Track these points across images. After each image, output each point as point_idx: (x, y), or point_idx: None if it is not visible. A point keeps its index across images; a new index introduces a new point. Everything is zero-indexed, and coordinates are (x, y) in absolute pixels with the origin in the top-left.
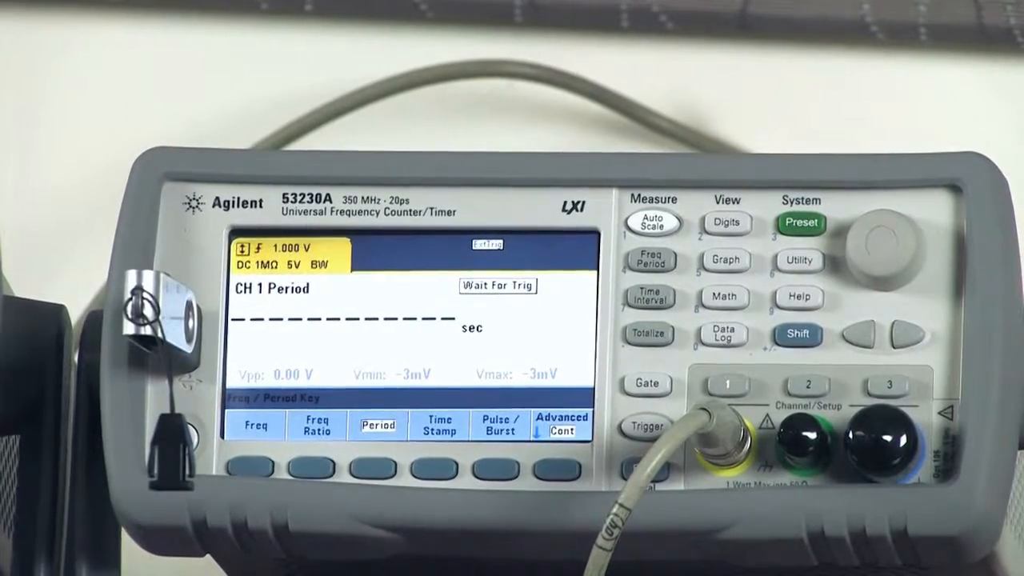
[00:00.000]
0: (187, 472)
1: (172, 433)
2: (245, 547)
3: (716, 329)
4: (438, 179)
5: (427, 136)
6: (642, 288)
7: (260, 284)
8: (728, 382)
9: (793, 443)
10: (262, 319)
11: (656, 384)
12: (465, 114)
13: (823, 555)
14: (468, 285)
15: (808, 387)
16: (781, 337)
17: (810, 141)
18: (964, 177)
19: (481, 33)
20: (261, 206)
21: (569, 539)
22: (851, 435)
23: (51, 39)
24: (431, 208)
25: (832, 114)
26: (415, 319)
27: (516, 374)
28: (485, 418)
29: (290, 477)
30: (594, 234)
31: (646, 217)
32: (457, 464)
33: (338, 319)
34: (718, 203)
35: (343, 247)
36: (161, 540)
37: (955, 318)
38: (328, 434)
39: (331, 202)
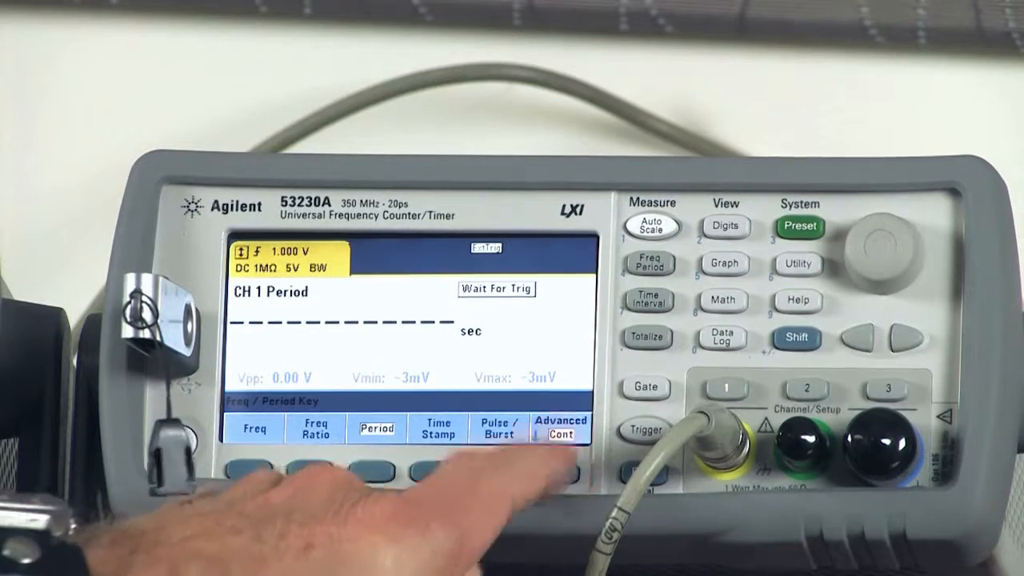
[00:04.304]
0: (188, 476)
1: (171, 438)
2: None
3: (715, 332)
4: (437, 182)
5: (426, 139)
6: (641, 291)
7: (259, 287)
8: (727, 385)
9: (792, 446)
10: (261, 322)
11: (655, 387)
12: (464, 117)
13: (821, 558)
14: (467, 288)
15: (807, 390)
16: (780, 340)
17: (809, 144)
18: (963, 181)
19: (480, 36)
20: (260, 209)
21: (568, 543)
22: (850, 439)
23: (51, 42)
24: (430, 211)
25: (831, 117)
26: (414, 322)
27: (515, 377)
28: (484, 421)
29: None
30: (593, 237)
31: (645, 220)
32: None
33: (337, 322)
34: (717, 207)
35: (342, 250)
36: None
37: (954, 322)
38: (327, 437)
39: (330, 205)
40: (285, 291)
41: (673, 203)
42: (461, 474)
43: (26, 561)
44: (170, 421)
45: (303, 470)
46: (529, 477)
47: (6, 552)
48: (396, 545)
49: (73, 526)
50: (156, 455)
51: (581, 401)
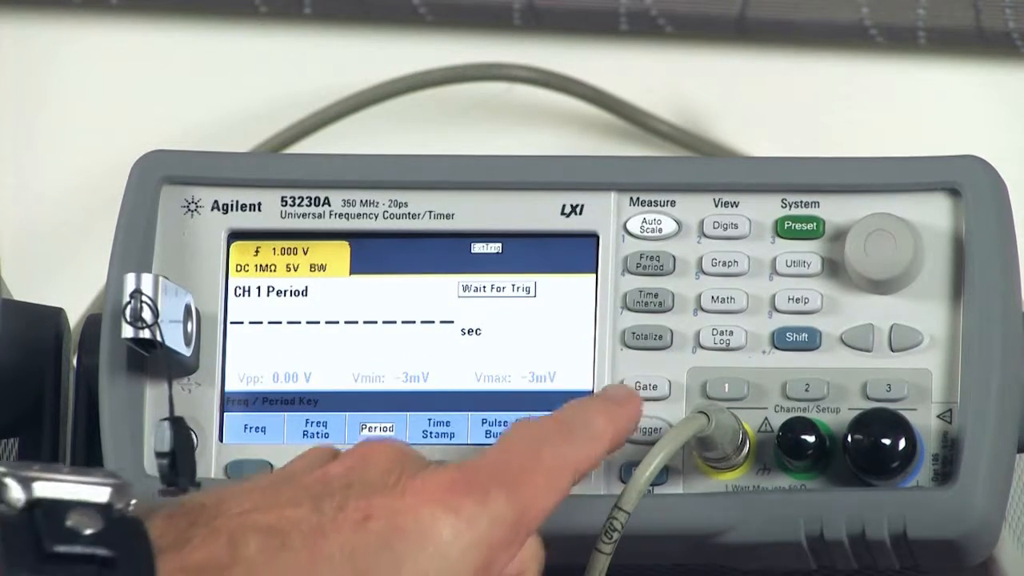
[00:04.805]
0: (194, 475)
1: (182, 438)
2: None
3: (715, 332)
4: (437, 182)
5: (425, 139)
6: (641, 291)
7: (259, 287)
8: (727, 385)
9: (792, 447)
10: (261, 322)
11: (655, 387)
12: (464, 117)
13: (822, 558)
14: (467, 288)
15: (807, 390)
16: (780, 340)
17: (808, 144)
18: (963, 181)
19: (480, 36)
20: (260, 209)
21: (568, 542)
22: (850, 439)
23: (50, 42)
24: (430, 211)
25: (830, 117)
26: (414, 322)
27: (515, 377)
28: (484, 421)
29: None
30: (593, 237)
31: (645, 220)
32: None
33: (337, 322)
34: (717, 206)
35: (342, 250)
36: None
37: (954, 322)
38: (327, 437)
39: (330, 205)
40: (285, 291)
41: (673, 203)
42: (523, 443)
43: (89, 532)
44: (176, 420)
45: (360, 444)
46: (593, 442)
47: (69, 523)
48: (454, 515)
49: (133, 500)
50: (171, 455)
51: None
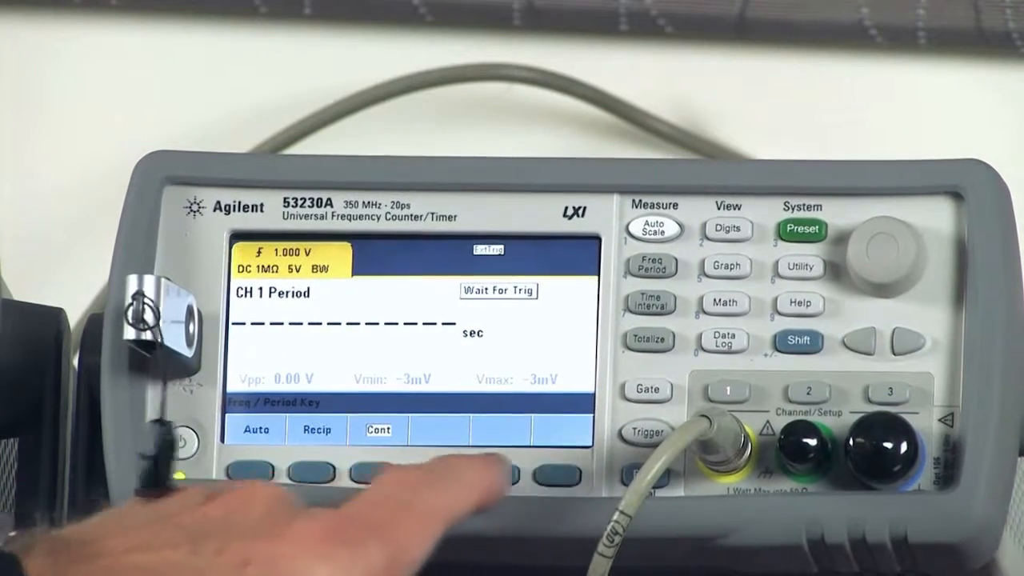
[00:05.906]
0: (167, 481)
1: (160, 441)
2: None
3: (717, 335)
4: (439, 184)
5: (426, 139)
6: (643, 294)
7: (261, 288)
8: (728, 388)
9: (793, 450)
10: (263, 323)
11: (656, 390)
12: (464, 117)
13: (823, 562)
14: (469, 290)
15: (808, 394)
16: (782, 343)
17: (808, 145)
18: (965, 184)
19: (480, 37)
20: (262, 210)
21: (569, 545)
22: (851, 442)
23: (51, 42)
24: (432, 213)
25: (831, 117)
26: (416, 324)
27: (516, 379)
28: (485, 423)
29: (290, 481)
30: (595, 239)
31: (647, 223)
32: None
33: (339, 324)
34: (719, 209)
35: (344, 251)
36: None
37: (956, 325)
38: (329, 438)
39: (332, 206)
40: (287, 292)
41: (675, 205)
42: (395, 489)
43: None
44: (163, 424)
45: (239, 485)
46: (464, 489)
47: None
48: (330, 564)
49: (12, 533)
50: (153, 459)
51: (583, 403)
